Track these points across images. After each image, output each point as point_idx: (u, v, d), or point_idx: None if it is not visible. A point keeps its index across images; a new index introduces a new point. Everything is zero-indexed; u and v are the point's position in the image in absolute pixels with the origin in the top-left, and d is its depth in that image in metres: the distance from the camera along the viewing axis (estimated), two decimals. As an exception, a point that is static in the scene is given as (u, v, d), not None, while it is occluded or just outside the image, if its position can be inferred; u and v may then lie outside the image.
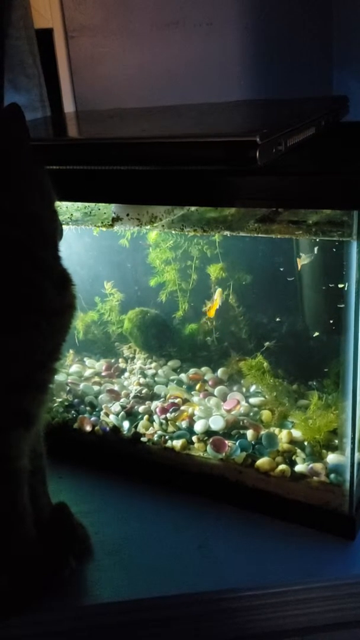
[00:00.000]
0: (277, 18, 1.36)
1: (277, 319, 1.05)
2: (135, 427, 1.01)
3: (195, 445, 0.96)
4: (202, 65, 1.35)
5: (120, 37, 1.35)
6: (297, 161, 0.79)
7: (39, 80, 1.29)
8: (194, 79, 1.34)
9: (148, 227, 0.88)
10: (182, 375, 1.14)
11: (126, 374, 1.18)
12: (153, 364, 1.18)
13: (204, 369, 1.14)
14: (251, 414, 1.00)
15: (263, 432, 0.94)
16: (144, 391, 1.09)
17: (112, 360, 1.22)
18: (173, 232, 0.99)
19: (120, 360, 1.21)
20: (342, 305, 0.80)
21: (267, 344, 0.99)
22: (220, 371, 1.11)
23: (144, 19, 1.33)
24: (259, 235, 0.81)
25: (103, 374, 1.18)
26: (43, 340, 0.70)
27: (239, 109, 1.10)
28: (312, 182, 0.72)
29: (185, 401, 1.05)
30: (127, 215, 0.88)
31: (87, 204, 0.94)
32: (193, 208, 0.88)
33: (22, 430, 0.72)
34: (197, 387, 1.08)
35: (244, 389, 1.06)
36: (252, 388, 1.05)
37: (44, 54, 1.29)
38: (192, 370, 1.14)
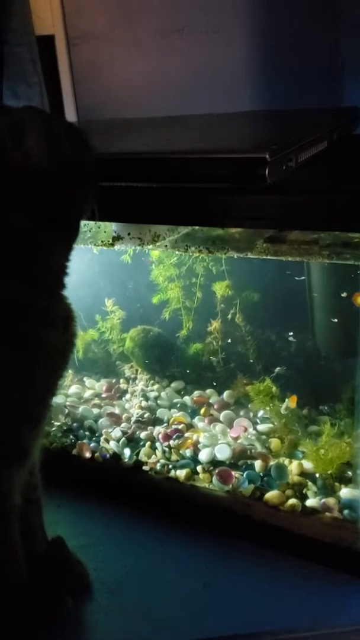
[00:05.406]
0: (285, 26, 1.32)
1: (288, 339, 1.00)
2: (137, 454, 0.97)
3: (200, 475, 0.91)
4: (208, 75, 1.31)
5: (124, 44, 1.31)
6: (309, 178, 0.75)
7: (40, 88, 1.26)
8: (200, 88, 1.30)
9: (150, 246, 0.84)
10: (186, 398, 1.09)
11: (127, 396, 1.13)
12: (155, 386, 1.14)
13: (209, 391, 1.10)
14: (259, 442, 0.95)
15: (272, 462, 0.90)
16: (145, 415, 1.04)
17: (113, 381, 1.18)
18: (177, 252, 0.95)
19: (121, 380, 1.17)
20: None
21: (277, 369, 0.95)
22: (226, 394, 1.07)
23: (148, 26, 1.30)
24: (268, 257, 0.77)
25: (103, 395, 1.14)
26: (41, 377, 0.70)
27: (247, 121, 1.05)
28: (325, 200, 0.69)
29: (189, 427, 1.00)
30: (129, 234, 0.84)
31: (85, 222, 0.90)
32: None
33: (17, 467, 0.71)
34: (202, 411, 1.04)
35: (251, 414, 1.01)
36: (260, 413, 1.00)
37: (45, 62, 1.27)
38: (196, 393, 1.10)
